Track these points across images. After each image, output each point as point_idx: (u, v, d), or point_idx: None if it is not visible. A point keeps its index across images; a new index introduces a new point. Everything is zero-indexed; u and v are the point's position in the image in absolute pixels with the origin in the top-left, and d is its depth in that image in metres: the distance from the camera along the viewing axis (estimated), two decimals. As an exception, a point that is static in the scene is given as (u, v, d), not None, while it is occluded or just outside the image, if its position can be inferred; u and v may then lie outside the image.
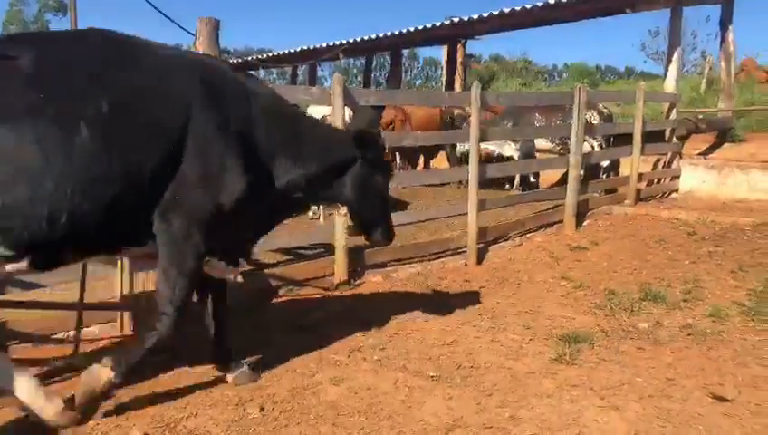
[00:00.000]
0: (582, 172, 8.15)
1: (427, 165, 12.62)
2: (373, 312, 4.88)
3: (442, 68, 22.94)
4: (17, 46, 2.73)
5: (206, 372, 3.63)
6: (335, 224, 5.66)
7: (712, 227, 7.76)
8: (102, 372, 2.92)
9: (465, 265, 6.57)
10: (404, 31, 14.13)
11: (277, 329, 4.53)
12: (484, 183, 7.35)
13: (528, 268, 6.38)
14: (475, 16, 12.39)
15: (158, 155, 2.87)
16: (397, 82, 18.41)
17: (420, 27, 13.80)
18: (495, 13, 11.97)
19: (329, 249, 5.79)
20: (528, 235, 7.66)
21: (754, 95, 14.08)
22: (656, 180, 10.40)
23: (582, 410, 3.26)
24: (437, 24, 13.39)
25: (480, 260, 6.70)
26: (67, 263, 2.95)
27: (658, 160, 10.66)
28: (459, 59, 23.53)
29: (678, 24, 10.24)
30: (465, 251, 6.68)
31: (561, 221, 7.95)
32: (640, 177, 9.35)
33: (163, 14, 7.35)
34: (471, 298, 5.28)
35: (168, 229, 2.97)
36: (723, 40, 11.41)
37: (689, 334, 4.38)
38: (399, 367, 3.81)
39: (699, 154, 11.21)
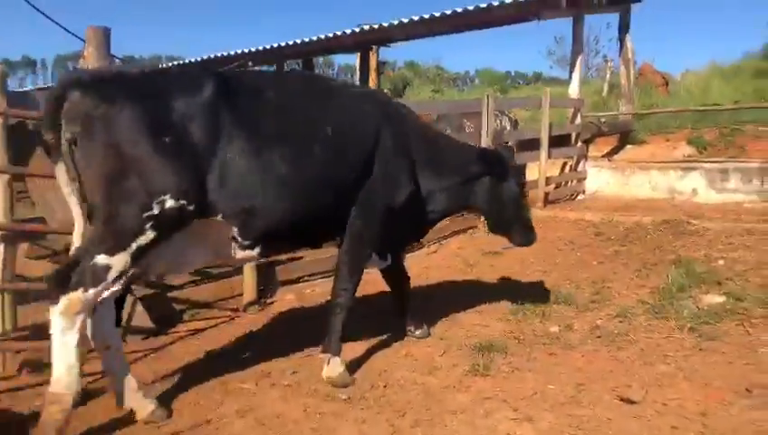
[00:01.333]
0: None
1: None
2: (284, 333, 4.71)
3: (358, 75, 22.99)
4: (258, 84, 3.47)
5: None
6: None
7: (617, 227, 8.03)
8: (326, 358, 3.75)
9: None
10: (314, 38, 13.98)
11: (181, 356, 4.27)
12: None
13: (443, 276, 6.38)
14: (386, 24, 12.43)
15: (360, 168, 3.65)
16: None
17: (331, 35, 13.70)
18: (406, 21, 12.03)
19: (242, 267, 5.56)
20: (444, 241, 7.69)
21: (652, 98, 14.83)
22: (563, 183, 10.74)
23: (496, 423, 3.22)
24: (348, 31, 13.35)
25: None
26: (282, 253, 4.06)
27: (565, 164, 11.01)
28: (373, 66, 23.66)
29: (581, 31, 10.64)
30: (381, 262, 6.61)
31: (475, 226, 8.02)
32: (548, 180, 9.59)
33: (55, 22, 6.92)
34: (387, 310, 5.19)
35: (359, 224, 3.74)
36: (622, 46, 11.94)
37: (598, 337, 4.46)
38: (311, 391, 3.65)
39: (604, 156, 11.66)
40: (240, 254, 3.40)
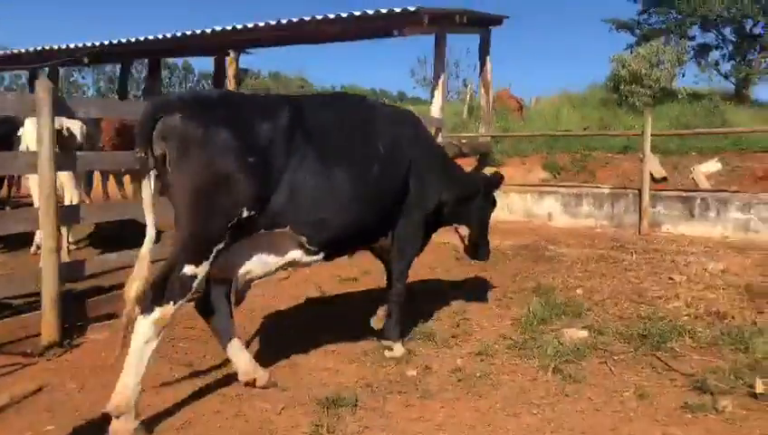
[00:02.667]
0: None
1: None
2: (83, 387, 3.75)
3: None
4: (321, 109, 3.88)
5: None
6: (43, 266, 4.40)
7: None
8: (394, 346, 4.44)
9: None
10: (160, 37, 12.72)
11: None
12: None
13: (290, 308, 5.67)
14: (241, 26, 11.55)
15: (402, 181, 4.18)
16: (154, 94, 16.76)
17: (179, 34, 12.52)
18: (262, 24, 11.24)
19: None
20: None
21: (508, 122, 15.19)
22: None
23: None
24: (198, 31, 12.24)
25: (238, 301, 5.82)
26: (341, 256, 4.20)
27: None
28: (231, 72, 22.49)
29: (443, 50, 10.48)
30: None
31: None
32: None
33: None
34: (217, 354, 4.40)
35: (404, 229, 4.34)
36: (482, 67, 12.01)
37: (459, 380, 3.98)
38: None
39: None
40: (306, 259, 3.77)
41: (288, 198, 3.45)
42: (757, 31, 24.17)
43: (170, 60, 33.39)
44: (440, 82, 10.40)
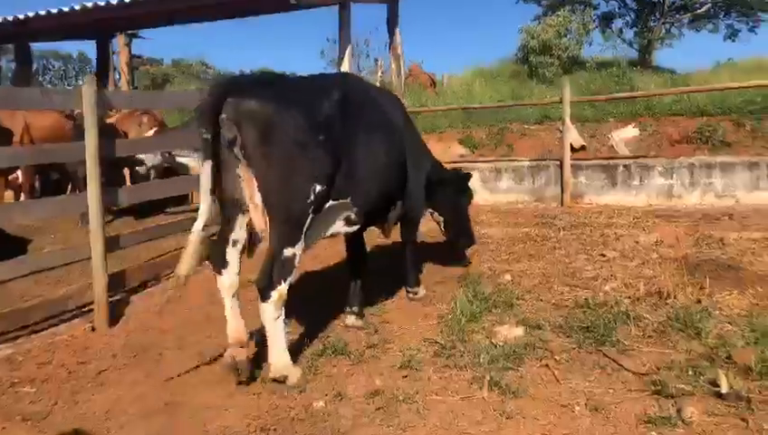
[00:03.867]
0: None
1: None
2: None
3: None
4: (355, 89, 4.13)
5: None
6: None
7: (395, 238, 7.09)
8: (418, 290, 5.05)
9: (93, 329, 4.70)
10: (21, 17, 11.05)
11: None
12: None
13: (180, 325, 4.77)
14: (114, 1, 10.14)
15: (404, 157, 4.45)
16: (25, 82, 14.95)
17: (43, 12, 10.87)
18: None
19: None
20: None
21: (422, 98, 14.55)
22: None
23: None
24: (66, 9, 10.69)
25: (114, 321, 4.87)
26: (371, 225, 4.47)
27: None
28: (124, 59, 20.74)
29: (348, 19, 9.62)
30: (92, 310, 4.80)
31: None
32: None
33: None
34: (81, 396, 3.48)
35: (410, 198, 4.67)
36: (391, 41, 11.24)
37: (379, 408, 3.24)
38: None
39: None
40: (345, 229, 3.96)
41: (348, 169, 3.66)
42: (656, -2, 24.69)
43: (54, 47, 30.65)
44: (347, 54, 9.58)
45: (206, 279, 5.79)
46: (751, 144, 9.48)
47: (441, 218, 5.45)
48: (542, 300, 4.85)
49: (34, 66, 22.57)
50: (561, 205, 8.72)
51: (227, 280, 3.63)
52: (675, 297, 4.67)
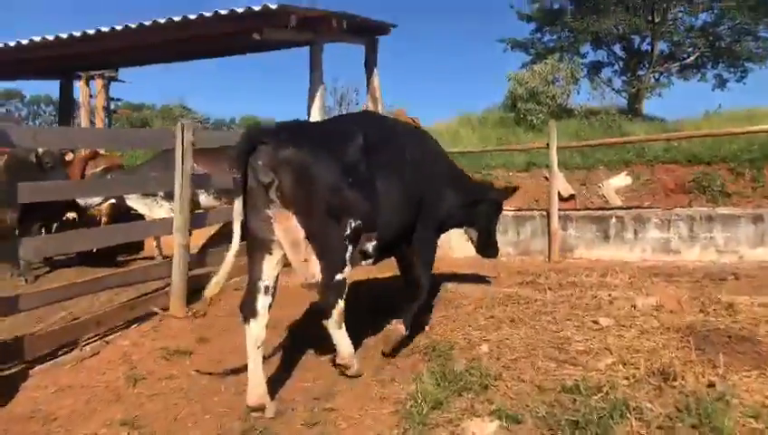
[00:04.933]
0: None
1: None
2: None
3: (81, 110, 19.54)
4: (375, 130, 4.38)
5: None
6: None
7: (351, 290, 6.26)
8: (399, 328, 4.58)
9: (-27, 414, 3.82)
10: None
11: None
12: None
13: (80, 408, 3.90)
14: (78, 33, 9.38)
15: (421, 185, 4.57)
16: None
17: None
18: (92, 32, 9.16)
19: None
20: (110, 336, 5.16)
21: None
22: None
23: None
24: (25, 42, 9.93)
25: (5, 401, 3.99)
26: (381, 259, 4.57)
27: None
28: (101, 103, 20.14)
29: (319, 59, 9.00)
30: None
31: (168, 308, 5.64)
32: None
33: None
34: None
35: (424, 233, 4.76)
36: (369, 83, 10.65)
37: None
38: None
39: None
40: (362, 262, 4.31)
41: (373, 205, 3.99)
42: (645, 47, 24.58)
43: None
44: (317, 97, 8.89)
45: (132, 344, 4.96)
46: (752, 195, 8.81)
47: (475, 234, 5.72)
48: (523, 380, 4.01)
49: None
50: (549, 260, 7.95)
51: (255, 330, 3.76)
52: (682, 379, 3.87)
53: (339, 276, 3.86)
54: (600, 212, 8.14)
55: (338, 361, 4.21)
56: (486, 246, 5.80)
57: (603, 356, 4.34)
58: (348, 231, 3.83)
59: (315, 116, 8.95)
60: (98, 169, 8.36)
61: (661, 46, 24.13)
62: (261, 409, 3.64)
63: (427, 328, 5.16)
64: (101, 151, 8.75)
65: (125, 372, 4.41)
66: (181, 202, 5.52)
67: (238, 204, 3.65)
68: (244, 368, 4.46)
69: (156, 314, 5.54)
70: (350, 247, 3.89)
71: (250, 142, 3.61)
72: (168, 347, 4.87)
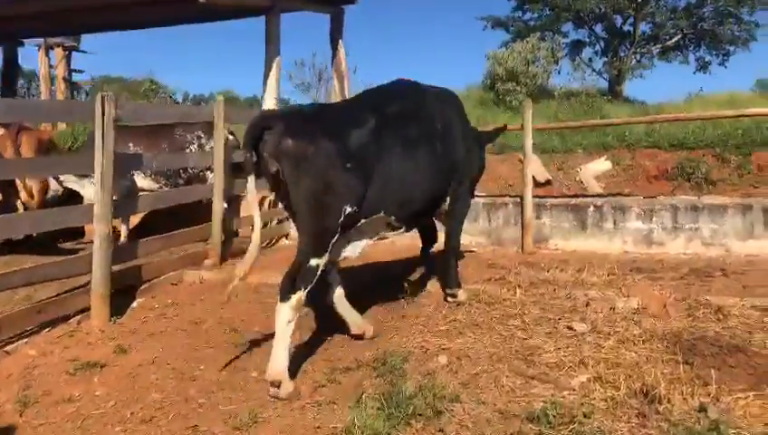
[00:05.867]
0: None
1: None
2: None
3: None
4: (394, 108, 4.35)
5: None
6: None
7: (310, 294, 5.63)
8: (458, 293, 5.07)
9: None
10: None
11: None
12: None
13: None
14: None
15: (452, 153, 4.69)
16: None
17: None
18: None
19: None
20: (16, 343, 4.46)
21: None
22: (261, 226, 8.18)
23: None
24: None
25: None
26: (417, 226, 5.03)
27: (264, 199, 8.47)
28: (61, 73, 19.16)
29: (276, 29, 8.22)
30: None
31: (89, 308, 4.93)
32: (225, 223, 6.92)
33: None
34: None
35: (461, 189, 4.96)
36: (334, 56, 9.91)
37: None
38: None
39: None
40: (391, 233, 4.49)
41: (380, 188, 4.03)
42: (627, 28, 24.03)
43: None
44: (273, 68, 8.15)
45: (40, 354, 4.26)
46: (738, 182, 8.31)
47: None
48: (484, 402, 3.41)
49: None
50: (522, 251, 7.35)
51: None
52: (668, 401, 3.31)
53: (313, 262, 3.81)
54: (577, 200, 7.56)
55: (266, 375, 3.69)
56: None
57: (578, 371, 3.76)
58: (341, 218, 3.84)
59: (271, 91, 8.22)
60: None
61: (643, 27, 23.66)
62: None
63: (379, 335, 4.53)
64: (27, 125, 7.92)
65: (17, 393, 3.73)
66: (102, 187, 4.80)
67: (251, 183, 3.80)
68: (162, 386, 3.84)
69: (73, 316, 4.84)
70: (336, 235, 3.89)
71: (258, 130, 3.77)
72: (79, 358, 4.18)
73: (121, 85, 24.72)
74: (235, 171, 7.97)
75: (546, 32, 23.23)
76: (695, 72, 24.80)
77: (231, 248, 7.08)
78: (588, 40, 25.23)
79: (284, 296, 3.72)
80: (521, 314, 4.76)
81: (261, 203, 8.29)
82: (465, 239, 7.50)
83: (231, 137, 8.06)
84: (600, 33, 24.88)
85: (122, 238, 7.27)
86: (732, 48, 23.83)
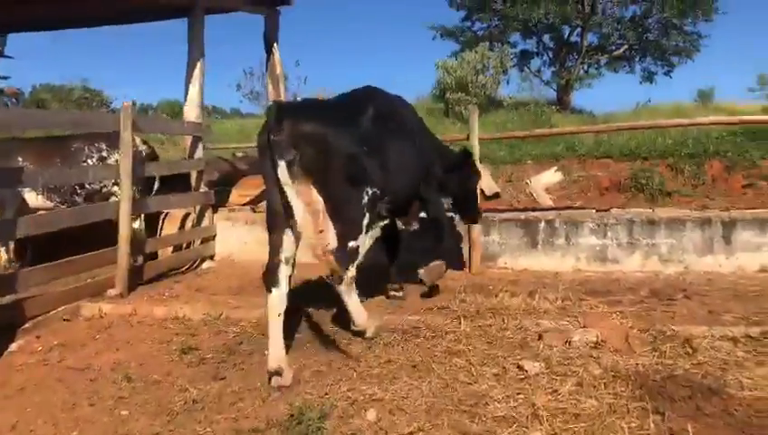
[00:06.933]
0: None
1: None
2: None
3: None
4: (382, 101, 4.69)
5: None
6: None
7: (225, 331, 4.86)
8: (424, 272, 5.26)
9: None
10: None
11: None
12: None
13: None
14: None
15: (422, 154, 4.96)
16: None
17: None
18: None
19: None
20: None
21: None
22: (184, 246, 7.37)
23: None
24: None
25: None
26: (396, 217, 5.16)
27: (188, 215, 7.67)
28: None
29: (199, 32, 7.43)
30: None
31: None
32: (133, 244, 6.09)
33: None
34: None
35: (431, 198, 5.24)
36: (268, 60, 9.16)
37: None
38: None
39: (249, 204, 8.63)
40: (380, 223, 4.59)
41: (385, 175, 4.26)
42: (575, 38, 24.03)
43: None
44: (196, 73, 7.36)
45: None
46: (693, 194, 7.92)
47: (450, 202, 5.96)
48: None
49: None
50: (470, 270, 6.75)
51: (277, 298, 3.89)
52: (639, 467, 2.70)
53: (353, 243, 4.03)
54: (527, 214, 7.00)
55: (353, 328, 4.36)
56: (465, 213, 6.11)
57: (530, 427, 3.14)
58: (366, 199, 4.07)
59: (194, 98, 7.42)
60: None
61: (591, 38, 23.65)
62: (279, 373, 3.74)
63: (298, 382, 3.82)
64: None
65: None
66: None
67: (283, 169, 3.72)
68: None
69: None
70: (367, 215, 4.10)
71: (276, 118, 3.77)
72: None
73: (52, 92, 23.25)
74: (152, 186, 7.17)
75: (495, 42, 23.02)
76: (641, 83, 24.99)
77: (144, 274, 6.25)
78: (536, 50, 25.14)
79: (337, 279, 4.01)
80: (465, 351, 4.13)
81: (184, 220, 7.50)
82: (408, 259, 6.86)
83: (145, 147, 7.25)
84: (549, 43, 24.83)
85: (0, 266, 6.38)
86: (676, 59, 24.09)
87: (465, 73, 18.96)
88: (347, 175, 3.95)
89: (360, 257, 4.14)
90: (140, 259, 6.55)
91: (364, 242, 4.14)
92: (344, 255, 3.95)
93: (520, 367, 3.83)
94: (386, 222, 4.73)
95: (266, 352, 3.94)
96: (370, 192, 4.09)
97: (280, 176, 3.71)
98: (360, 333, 4.37)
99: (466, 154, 5.89)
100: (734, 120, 7.66)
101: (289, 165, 3.71)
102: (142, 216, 6.87)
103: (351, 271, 4.09)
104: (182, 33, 7.47)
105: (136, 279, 6.02)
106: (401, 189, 4.61)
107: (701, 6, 21.77)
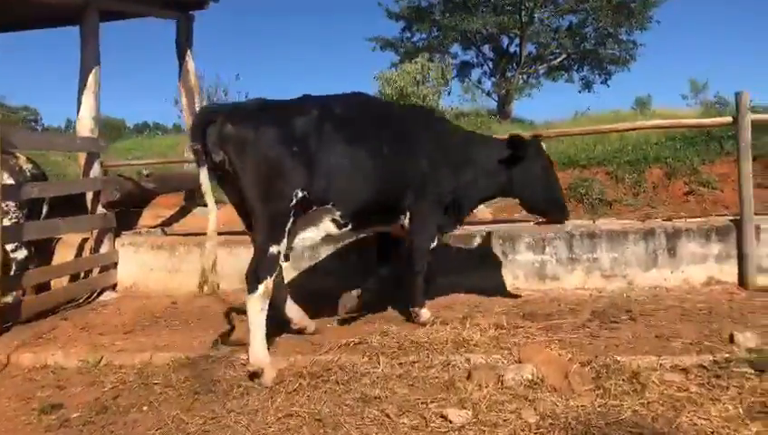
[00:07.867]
0: None
1: None
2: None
3: None
4: (339, 106, 4.43)
5: None
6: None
7: (101, 381, 4.10)
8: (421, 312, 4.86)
9: None
10: None
11: None
12: None
13: None
14: None
15: (410, 161, 4.63)
16: None
17: None
18: None
19: None
20: None
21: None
22: (82, 275, 6.53)
23: None
24: None
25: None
26: (364, 231, 4.80)
27: (86, 241, 6.83)
28: None
29: (94, 37, 6.64)
30: None
31: None
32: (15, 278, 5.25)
33: None
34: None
35: (419, 209, 4.71)
36: (181, 68, 8.42)
37: None
38: None
39: (161, 225, 7.84)
40: (337, 231, 4.40)
41: (327, 180, 4.12)
42: (513, 48, 24.01)
43: None
44: (90, 81, 6.56)
45: None
46: (634, 203, 7.57)
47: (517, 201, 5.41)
48: None
49: None
50: (400, 293, 6.13)
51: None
52: None
53: (274, 248, 3.93)
54: (462, 229, 6.45)
55: (248, 366, 3.89)
56: (546, 211, 5.25)
57: (451, 501, 2.52)
58: (293, 202, 3.96)
59: (88, 110, 6.61)
60: None
61: (529, 47, 23.69)
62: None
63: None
64: None
65: None
66: None
67: (204, 176, 3.89)
68: None
69: None
70: (291, 219, 3.98)
71: (202, 122, 3.97)
72: None
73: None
74: (41, 210, 6.34)
75: (435, 53, 22.77)
76: (579, 92, 25.22)
77: (24, 310, 5.40)
78: (476, 61, 25.06)
79: (251, 289, 3.85)
80: (382, 398, 3.50)
81: (81, 246, 6.68)
82: (321, 282, 6.19)
83: (30, 166, 6.40)
84: (488, 53, 24.77)
85: None
86: (613, 68, 24.36)
87: (404, 84, 18.60)
88: (268, 174, 3.89)
89: (279, 267, 4.04)
90: (16, 294, 5.70)
91: (284, 248, 4.00)
92: (262, 260, 3.88)
93: (444, 416, 3.22)
94: (347, 229, 4.42)
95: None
96: (300, 195, 3.98)
97: (201, 182, 3.88)
98: (256, 375, 3.77)
99: (513, 138, 4.88)
100: (675, 123, 7.33)
101: (216, 169, 3.92)
102: (23, 244, 6.00)
103: (268, 282, 3.87)
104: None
105: (10, 318, 5.16)
106: (353, 195, 4.29)
107: (635, 16, 22.06)
